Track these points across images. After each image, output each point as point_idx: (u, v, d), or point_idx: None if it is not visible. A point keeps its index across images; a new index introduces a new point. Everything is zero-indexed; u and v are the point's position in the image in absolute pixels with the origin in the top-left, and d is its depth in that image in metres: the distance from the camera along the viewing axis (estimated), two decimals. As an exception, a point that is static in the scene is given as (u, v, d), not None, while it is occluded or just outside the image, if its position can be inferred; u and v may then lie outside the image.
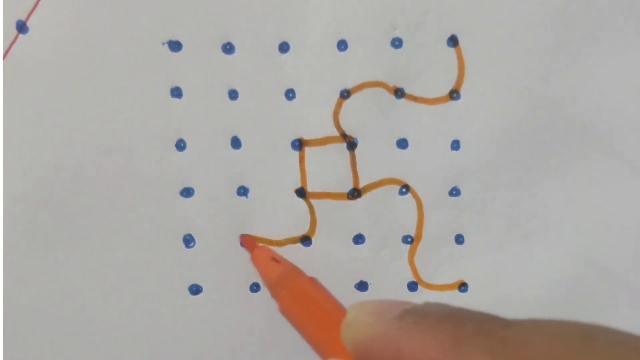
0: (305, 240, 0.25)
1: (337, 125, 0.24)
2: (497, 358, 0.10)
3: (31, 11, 0.21)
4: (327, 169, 0.24)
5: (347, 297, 0.25)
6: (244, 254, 0.24)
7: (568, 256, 0.26)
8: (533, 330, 0.10)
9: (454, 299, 0.26)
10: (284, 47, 0.23)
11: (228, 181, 0.24)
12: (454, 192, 0.25)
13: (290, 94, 0.24)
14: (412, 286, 0.25)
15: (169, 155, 0.23)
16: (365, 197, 0.25)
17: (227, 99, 0.23)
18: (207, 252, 0.24)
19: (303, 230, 0.25)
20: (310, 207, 0.24)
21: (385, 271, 0.25)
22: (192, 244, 0.24)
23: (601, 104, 0.25)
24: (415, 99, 0.24)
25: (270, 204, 0.24)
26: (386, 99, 0.24)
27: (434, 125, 0.24)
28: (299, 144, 0.24)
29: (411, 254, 0.25)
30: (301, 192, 0.24)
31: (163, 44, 0.22)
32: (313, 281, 0.20)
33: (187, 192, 0.24)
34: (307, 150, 0.24)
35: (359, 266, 0.25)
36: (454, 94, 0.24)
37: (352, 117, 0.24)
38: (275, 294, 0.21)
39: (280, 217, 0.24)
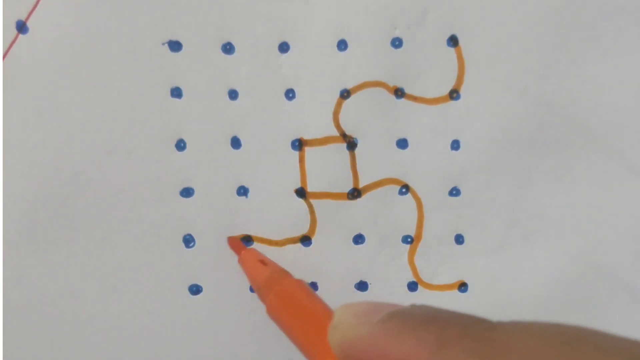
0: (305, 240, 0.25)
1: (337, 125, 0.24)
2: None
3: (31, 11, 0.21)
4: (327, 169, 0.24)
5: (347, 297, 0.25)
6: (244, 254, 0.24)
7: (568, 256, 0.26)
8: (518, 333, 0.10)
9: (454, 299, 0.26)
10: (284, 47, 0.23)
11: (228, 181, 0.24)
12: (454, 192, 0.25)
13: (290, 94, 0.24)
14: (412, 286, 0.25)
15: (169, 155, 0.23)
16: (365, 197, 0.25)
17: (227, 99, 0.23)
18: (207, 252, 0.24)
19: (303, 230, 0.25)
20: (310, 207, 0.24)
21: (385, 271, 0.25)
22: (192, 244, 0.24)
23: (601, 104, 0.25)
24: (415, 99, 0.24)
25: (270, 204, 0.24)
26: (386, 99, 0.24)
27: (434, 125, 0.24)
28: (299, 144, 0.24)
29: (411, 254, 0.25)
30: (301, 192, 0.24)
31: (163, 44, 0.22)
32: (300, 284, 0.20)
33: (187, 192, 0.24)
34: (307, 150, 0.24)
35: (359, 266, 0.25)
36: (454, 94, 0.24)
37: (352, 117, 0.24)
38: (262, 297, 0.21)
39: (280, 217, 0.24)
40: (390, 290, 0.25)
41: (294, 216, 0.24)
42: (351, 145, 0.24)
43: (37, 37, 0.22)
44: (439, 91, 0.24)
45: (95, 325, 0.24)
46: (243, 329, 0.25)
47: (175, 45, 0.23)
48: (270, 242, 0.24)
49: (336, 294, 0.25)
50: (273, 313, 0.20)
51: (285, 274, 0.21)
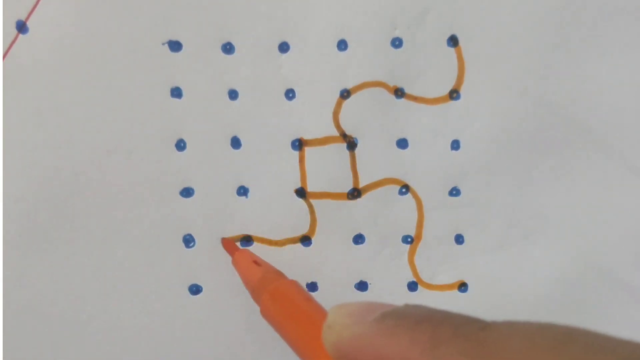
0: (305, 240, 0.25)
1: (337, 125, 0.24)
2: None
3: (31, 11, 0.21)
4: (327, 169, 0.24)
5: (347, 297, 0.25)
6: (244, 254, 0.24)
7: (567, 256, 0.26)
8: (510, 333, 0.10)
9: (454, 299, 0.26)
10: (284, 47, 0.23)
11: (228, 181, 0.24)
12: (454, 192, 0.25)
13: (290, 94, 0.24)
14: (412, 286, 0.25)
15: (169, 155, 0.23)
16: (365, 197, 0.25)
17: (227, 99, 0.23)
18: (207, 252, 0.24)
19: (303, 230, 0.25)
20: (310, 207, 0.24)
21: (385, 271, 0.25)
22: (192, 244, 0.24)
23: (601, 104, 0.25)
24: (415, 99, 0.24)
25: (270, 204, 0.24)
26: (386, 99, 0.24)
27: (434, 125, 0.24)
28: (299, 144, 0.24)
29: (411, 254, 0.25)
30: (301, 192, 0.24)
31: (163, 44, 0.22)
32: (294, 284, 0.20)
33: (187, 192, 0.24)
34: (307, 150, 0.24)
35: (359, 266, 0.25)
36: (454, 94, 0.24)
37: (352, 117, 0.24)
38: (256, 297, 0.21)
39: (280, 217, 0.24)
40: (390, 290, 0.25)
41: (294, 216, 0.24)
42: (351, 145, 0.24)
43: (37, 37, 0.22)
44: (439, 91, 0.24)
45: (95, 325, 0.24)
46: (243, 329, 0.25)
47: (175, 45, 0.23)
48: (270, 242, 0.24)
49: (336, 294, 0.25)
50: (267, 314, 0.20)
51: (279, 274, 0.21)
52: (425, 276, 0.26)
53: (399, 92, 0.24)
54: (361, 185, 0.25)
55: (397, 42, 0.23)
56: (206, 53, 0.23)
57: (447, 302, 0.26)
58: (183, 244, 0.24)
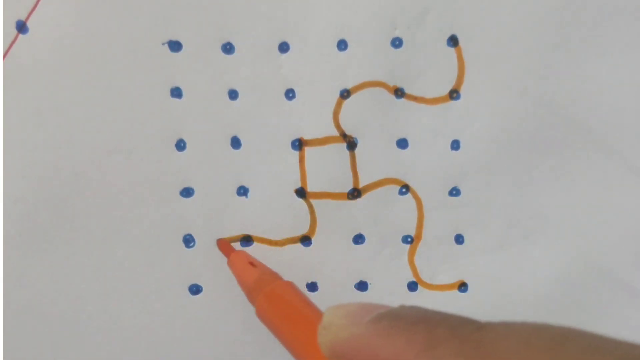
0: (305, 240, 0.25)
1: (337, 125, 0.24)
2: None
3: (31, 11, 0.21)
4: (327, 169, 0.24)
5: (347, 297, 0.25)
6: (244, 254, 0.24)
7: (568, 256, 0.26)
8: (505, 334, 0.10)
9: (454, 298, 0.26)
10: (284, 47, 0.23)
11: (228, 181, 0.24)
12: (454, 192, 0.25)
13: (290, 94, 0.24)
14: (412, 286, 0.25)
15: (169, 155, 0.23)
16: (365, 197, 0.25)
17: (227, 99, 0.23)
18: (207, 252, 0.24)
19: (303, 230, 0.25)
20: (310, 207, 0.24)
21: (385, 271, 0.25)
22: (192, 244, 0.24)
23: (601, 104, 0.25)
24: (415, 98, 0.24)
25: (270, 204, 0.24)
26: (386, 99, 0.24)
27: (434, 125, 0.24)
28: (299, 144, 0.24)
29: (411, 254, 0.25)
30: (301, 192, 0.24)
31: (163, 44, 0.22)
32: (290, 285, 0.20)
33: (187, 192, 0.24)
34: (307, 150, 0.24)
35: (359, 266, 0.25)
36: (454, 94, 0.24)
37: (352, 117, 0.24)
38: (251, 299, 0.21)
39: (280, 217, 0.24)
40: (390, 290, 0.25)
41: (294, 216, 0.24)
42: (351, 145, 0.24)
43: (37, 37, 0.22)
44: (439, 91, 0.24)
45: (95, 325, 0.24)
46: (243, 329, 0.25)
47: (175, 45, 0.23)
48: (270, 242, 0.24)
49: (336, 294, 0.25)
50: (262, 315, 0.20)
51: (274, 275, 0.21)
52: (425, 276, 0.26)
53: (399, 92, 0.24)
54: (361, 185, 0.25)
55: (397, 42, 0.23)
56: (206, 53, 0.23)
57: (447, 302, 0.26)
58: (183, 244, 0.24)
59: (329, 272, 0.25)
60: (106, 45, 0.22)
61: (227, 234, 0.24)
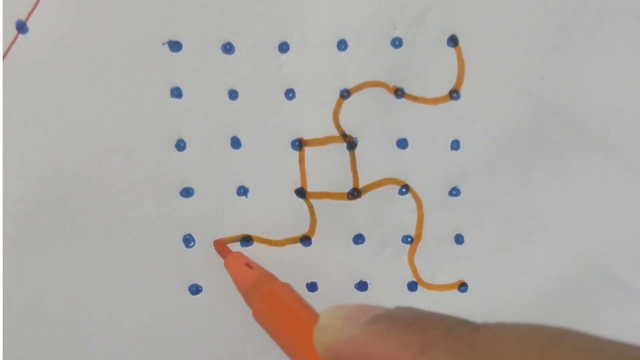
0: (305, 240, 0.25)
1: (337, 125, 0.24)
2: None
3: (31, 11, 0.21)
4: (327, 169, 0.24)
5: (347, 297, 0.25)
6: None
7: (568, 256, 0.26)
8: (501, 335, 0.10)
9: (454, 299, 0.26)
10: (284, 47, 0.23)
11: (228, 181, 0.24)
12: (454, 192, 0.25)
13: (290, 94, 0.24)
14: (412, 286, 0.25)
15: (169, 155, 0.23)
16: (365, 197, 0.25)
17: (227, 99, 0.23)
18: (207, 252, 0.24)
19: (303, 230, 0.25)
20: (310, 207, 0.24)
21: (385, 271, 0.25)
22: (192, 244, 0.24)
23: (601, 104, 0.25)
24: (415, 98, 0.24)
25: (270, 204, 0.24)
26: (386, 98, 0.24)
27: (434, 125, 0.24)
28: (299, 144, 0.24)
29: (411, 254, 0.25)
30: (301, 192, 0.24)
31: (163, 44, 0.22)
32: (287, 287, 0.20)
33: (187, 192, 0.24)
34: (307, 150, 0.24)
35: (359, 266, 0.25)
36: (454, 94, 0.24)
37: (352, 117, 0.24)
38: (248, 300, 0.21)
39: (280, 217, 0.24)
40: (390, 290, 0.25)
41: (294, 216, 0.24)
42: (351, 145, 0.24)
43: (37, 37, 0.22)
44: (439, 91, 0.24)
45: (95, 325, 0.24)
46: (243, 328, 0.25)
47: (175, 45, 0.23)
48: (270, 242, 0.24)
49: (336, 294, 0.25)
50: (259, 316, 0.20)
51: (271, 277, 0.21)
52: (425, 276, 0.26)
53: (399, 92, 0.24)
54: (361, 185, 0.25)
55: (397, 42, 0.23)
56: (206, 53, 0.23)
57: (447, 302, 0.26)
58: (183, 244, 0.24)
59: (329, 272, 0.25)
60: (106, 45, 0.22)
61: (227, 234, 0.24)
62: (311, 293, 0.25)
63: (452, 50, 0.24)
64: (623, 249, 0.26)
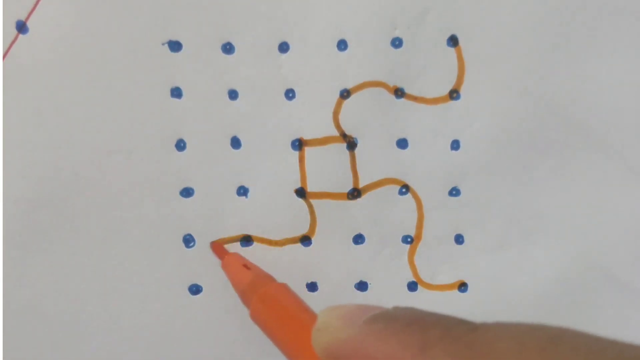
0: (305, 240, 0.25)
1: (337, 125, 0.24)
2: None
3: (31, 11, 0.21)
4: (327, 169, 0.24)
5: (347, 297, 0.25)
6: (244, 255, 0.24)
7: (568, 256, 0.26)
8: (499, 335, 0.10)
9: (454, 299, 0.26)
10: (284, 47, 0.23)
11: (228, 181, 0.24)
12: (454, 192, 0.25)
13: (290, 94, 0.24)
14: (412, 286, 0.25)
15: (169, 155, 0.23)
16: (365, 197, 0.25)
17: (227, 99, 0.23)
18: (207, 252, 0.24)
19: (303, 230, 0.25)
20: (310, 207, 0.24)
21: (385, 271, 0.25)
22: (192, 244, 0.24)
23: (601, 104, 0.25)
24: (415, 98, 0.24)
25: (270, 204, 0.24)
26: (386, 98, 0.24)
27: (434, 125, 0.24)
28: (299, 144, 0.24)
29: (411, 254, 0.25)
30: (301, 192, 0.24)
31: (163, 44, 0.22)
32: (284, 287, 0.20)
33: (187, 192, 0.24)
34: (307, 150, 0.24)
35: (359, 266, 0.25)
36: (454, 94, 0.24)
37: (352, 117, 0.24)
38: (246, 301, 0.21)
39: (280, 217, 0.24)
40: (390, 290, 0.25)
41: (294, 216, 0.24)
42: (351, 145, 0.24)
43: (37, 37, 0.22)
44: (439, 91, 0.24)
45: (95, 325, 0.24)
46: (243, 328, 0.25)
47: (175, 45, 0.23)
48: (270, 242, 0.24)
49: (336, 294, 0.25)
50: (256, 317, 0.20)
51: (268, 278, 0.21)
52: (425, 276, 0.26)
53: (399, 92, 0.24)
54: (361, 185, 0.25)
55: (397, 42, 0.23)
56: (206, 53, 0.23)
57: (447, 302, 0.26)
58: (183, 244, 0.24)
59: (329, 272, 0.25)
60: (106, 45, 0.22)
61: (227, 234, 0.24)
62: (311, 293, 0.25)
63: (452, 50, 0.24)
64: (623, 249, 0.26)
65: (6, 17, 0.21)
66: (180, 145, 0.23)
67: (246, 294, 0.21)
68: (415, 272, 0.25)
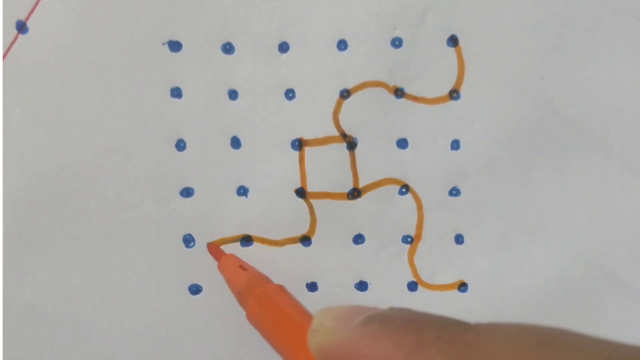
0: (305, 240, 0.25)
1: (337, 125, 0.24)
2: None
3: (31, 11, 0.21)
4: (327, 169, 0.24)
5: (347, 297, 0.25)
6: (244, 255, 0.24)
7: (568, 256, 0.26)
8: (493, 335, 0.10)
9: (454, 299, 0.26)
10: (284, 47, 0.23)
11: (228, 181, 0.24)
12: (454, 192, 0.25)
13: (290, 94, 0.24)
14: (412, 286, 0.25)
15: (169, 155, 0.23)
16: (365, 197, 0.25)
17: (227, 99, 0.23)
18: (207, 252, 0.24)
19: (303, 230, 0.25)
20: (310, 207, 0.24)
21: (385, 271, 0.25)
22: (192, 244, 0.24)
23: (601, 104, 0.25)
24: (415, 98, 0.24)
25: (270, 204, 0.24)
26: (386, 98, 0.24)
27: (434, 125, 0.24)
28: (299, 144, 0.24)
29: (411, 254, 0.25)
30: (301, 192, 0.24)
31: (163, 44, 0.22)
32: (280, 288, 0.20)
33: (187, 192, 0.24)
34: (307, 150, 0.24)
35: (359, 266, 0.25)
36: (454, 94, 0.24)
37: (352, 117, 0.24)
38: (242, 302, 0.21)
39: (280, 217, 0.24)
40: (390, 290, 0.25)
41: (294, 216, 0.24)
42: (351, 145, 0.24)
43: (37, 37, 0.22)
44: (439, 91, 0.24)
45: (95, 325, 0.24)
46: (243, 329, 0.25)
47: (175, 45, 0.23)
48: (270, 242, 0.24)
49: (336, 294, 0.25)
50: (253, 318, 0.20)
51: (265, 279, 0.22)
52: (425, 276, 0.26)
53: (399, 92, 0.24)
54: (361, 185, 0.25)
55: (397, 42, 0.23)
56: (206, 53, 0.23)
57: (447, 302, 0.26)
58: (183, 244, 0.24)
59: (329, 272, 0.25)
60: (106, 45, 0.22)
61: (227, 234, 0.24)
62: (311, 293, 0.25)
63: (452, 50, 0.24)
64: (623, 249, 0.26)
65: (6, 17, 0.21)
66: (180, 145, 0.23)
67: (242, 295, 0.21)
68: (415, 272, 0.25)
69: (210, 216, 0.24)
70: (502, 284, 0.26)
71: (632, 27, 0.24)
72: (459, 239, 0.25)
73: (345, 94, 0.24)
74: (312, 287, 0.25)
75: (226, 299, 0.24)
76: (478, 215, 0.25)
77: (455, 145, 0.25)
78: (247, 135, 0.24)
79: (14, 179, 0.22)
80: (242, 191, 0.24)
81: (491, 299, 0.26)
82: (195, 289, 0.24)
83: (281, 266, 0.24)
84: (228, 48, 0.23)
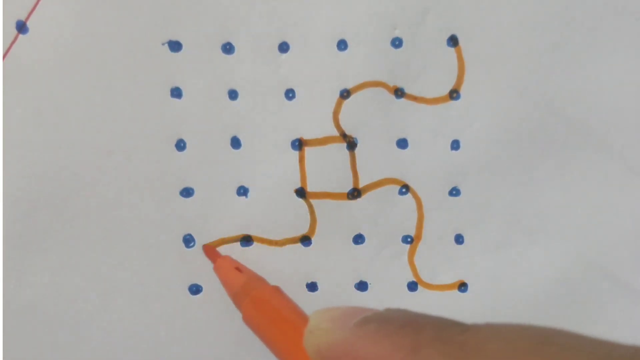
0: (305, 240, 0.25)
1: (337, 125, 0.24)
2: None
3: (31, 11, 0.21)
4: (327, 169, 0.24)
5: (347, 297, 0.25)
6: (244, 255, 0.24)
7: (568, 256, 0.26)
8: (490, 336, 0.10)
9: (454, 299, 0.26)
10: (284, 47, 0.23)
11: (228, 181, 0.24)
12: (454, 192, 0.25)
13: (290, 94, 0.24)
14: (412, 286, 0.25)
15: (169, 155, 0.23)
16: (365, 197, 0.25)
17: (227, 99, 0.23)
18: (207, 252, 0.24)
19: (303, 230, 0.25)
20: (310, 207, 0.24)
21: (385, 271, 0.25)
22: (192, 244, 0.24)
23: (601, 104, 0.25)
24: (415, 98, 0.24)
25: (270, 204, 0.24)
26: (386, 98, 0.24)
27: (434, 125, 0.24)
28: (299, 144, 0.24)
29: (411, 254, 0.25)
30: (301, 192, 0.24)
31: (163, 44, 0.22)
32: (276, 290, 0.20)
33: (187, 192, 0.24)
34: (307, 150, 0.24)
35: (359, 266, 0.25)
36: (454, 94, 0.24)
37: (352, 117, 0.24)
38: (238, 304, 0.21)
39: (280, 217, 0.24)
40: (390, 291, 0.25)
41: (294, 216, 0.24)
42: (351, 145, 0.24)
43: (37, 37, 0.22)
44: (439, 91, 0.24)
45: (95, 325, 0.24)
46: (243, 329, 0.25)
47: (175, 45, 0.23)
48: (270, 242, 0.24)
49: (336, 294, 0.25)
50: (249, 320, 0.20)
51: (261, 280, 0.22)
52: (425, 276, 0.26)
53: (399, 92, 0.24)
54: (361, 185, 0.25)
55: (397, 42, 0.23)
56: (206, 53, 0.23)
57: (447, 302, 0.26)
58: (183, 244, 0.24)
59: (329, 272, 0.25)
60: (106, 45, 0.22)
61: (227, 234, 0.24)
62: (311, 293, 0.25)
63: (452, 50, 0.24)
64: (623, 249, 0.26)
65: (6, 17, 0.21)
66: (180, 145, 0.23)
67: (238, 297, 0.21)
68: (415, 272, 0.25)
69: (210, 216, 0.24)
70: (502, 284, 0.26)
71: (632, 27, 0.24)
72: (459, 239, 0.25)
73: (345, 94, 0.24)
74: (312, 287, 0.25)
75: (226, 299, 0.24)
76: (478, 215, 0.25)
77: (455, 145, 0.25)
78: (247, 135, 0.24)
79: (14, 179, 0.22)
80: (242, 191, 0.24)
81: (491, 299, 0.26)
82: (195, 289, 0.24)
83: (281, 266, 0.24)
84: (228, 48, 0.23)
